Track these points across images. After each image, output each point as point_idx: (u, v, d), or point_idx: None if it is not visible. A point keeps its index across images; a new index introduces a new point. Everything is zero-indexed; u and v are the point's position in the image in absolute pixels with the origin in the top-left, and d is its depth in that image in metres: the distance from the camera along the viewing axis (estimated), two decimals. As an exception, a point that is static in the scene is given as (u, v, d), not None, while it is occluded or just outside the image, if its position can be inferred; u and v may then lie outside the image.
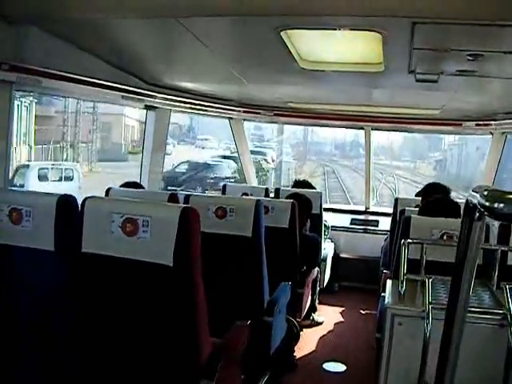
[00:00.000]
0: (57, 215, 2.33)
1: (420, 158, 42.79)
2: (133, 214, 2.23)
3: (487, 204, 0.83)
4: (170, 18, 2.76)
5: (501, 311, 2.55)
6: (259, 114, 6.95)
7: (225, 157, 24.04)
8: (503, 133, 6.61)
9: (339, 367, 4.48)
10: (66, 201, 2.39)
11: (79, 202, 2.39)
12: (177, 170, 21.80)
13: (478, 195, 0.86)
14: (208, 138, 36.33)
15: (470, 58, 3.08)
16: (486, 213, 0.86)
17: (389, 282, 3.14)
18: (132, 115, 30.07)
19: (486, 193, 0.84)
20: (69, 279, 2.39)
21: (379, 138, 40.02)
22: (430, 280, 2.65)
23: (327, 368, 4.45)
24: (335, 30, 2.89)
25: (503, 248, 3.00)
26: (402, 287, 2.84)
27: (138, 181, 5.09)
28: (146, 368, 2.34)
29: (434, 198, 3.91)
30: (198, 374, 2.30)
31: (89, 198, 2.39)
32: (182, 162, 22.72)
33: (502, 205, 0.80)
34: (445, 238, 3.16)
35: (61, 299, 2.41)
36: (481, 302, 2.80)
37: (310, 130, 36.21)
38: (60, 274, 2.38)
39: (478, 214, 0.90)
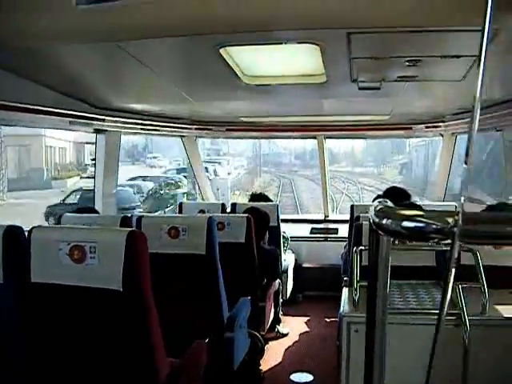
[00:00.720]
0: (3, 246, 2.30)
1: (384, 163, 42.59)
2: (79, 240, 2.21)
3: (377, 220, 0.84)
4: (107, 42, 2.76)
5: (455, 311, 2.59)
6: (211, 130, 6.96)
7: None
8: (453, 133, 6.76)
9: (306, 377, 4.48)
10: (13, 232, 2.36)
11: None
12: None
13: (372, 211, 0.87)
14: (157, 155, 36.12)
15: (408, 63, 3.13)
16: (378, 230, 0.87)
17: (345, 290, 3.17)
18: (55, 135, 28.03)
19: (377, 209, 0.85)
20: (19, 310, 2.35)
21: (340, 144, 39.99)
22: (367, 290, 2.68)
23: (294, 379, 4.45)
24: (273, 44, 2.92)
25: None
26: (355, 295, 2.86)
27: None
28: None
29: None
30: None
31: (35, 227, 2.36)
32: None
33: (389, 221, 0.81)
34: (397, 242, 3.20)
35: (12, 331, 2.37)
36: (435, 303, 2.84)
37: (269, 142, 36.24)
38: (10, 305, 2.35)
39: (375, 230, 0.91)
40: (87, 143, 34.53)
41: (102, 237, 2.23)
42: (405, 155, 40.71)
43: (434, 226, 0.73)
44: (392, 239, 0.96)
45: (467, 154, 0.71)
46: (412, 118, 6.53)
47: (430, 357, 0.86)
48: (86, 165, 31.39)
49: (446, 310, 0.83)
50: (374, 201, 5.74)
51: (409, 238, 0.79)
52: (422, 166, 32.75)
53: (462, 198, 0.70)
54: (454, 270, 0.75)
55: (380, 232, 0.87)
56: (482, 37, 0.73)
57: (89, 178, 25.12)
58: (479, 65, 0.74)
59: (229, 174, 30.69)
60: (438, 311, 2.55)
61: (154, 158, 35.36)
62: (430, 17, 2.32)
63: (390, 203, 0.91)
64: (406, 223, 0.78)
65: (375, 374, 1.02)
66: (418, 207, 0.80)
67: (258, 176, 36.78)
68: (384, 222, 0.82)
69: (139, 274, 2.20)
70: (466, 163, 0.71)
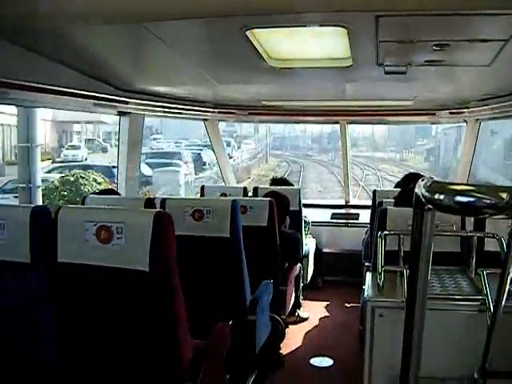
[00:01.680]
0: (30, 227, 2.32)
1: (407, 148, 40.42)
2: (106, 221, 2.22)
3: (428, 196, 0.84)
4: (134, 23, 2.75)
5: (479, 297, 2.57)
6: (234, 114, 6.95)
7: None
8: (477, 120, 6.68)
9: (326, 362, 4.49)
10: (40, 212, 2.38)
11: None
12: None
13: (422, 187, 0.87)
14: (157, 137, 35.63)
15: (436, 48, 3.09)
16: (429, 205, 0.86)
17: (368, 275, 3.16)
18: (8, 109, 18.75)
19: (428, 184, 0.85)
20: (46, 290, 2.37)
21: (360, 127, 37.72)
22: (408, 270, 2.67)
23: (314, 363, 4.46)
24: (300, 27, 2.90)
25: (479, 234, 3.03)
26: (380, 279, 2.85)
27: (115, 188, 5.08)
28: (129, 374, 2.34)
29: (409, 187, 3.94)
30: (181, 377, 2.30)
31: (62, 207, 2.38)
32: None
33: (442, 196, 0.81)
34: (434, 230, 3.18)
35: (39, 311, 2.39)
36: (460, 289, 2.82)
37: (285, 125, 35.69)
38: (37, 285, 2.37)
39: (425, 206, 0.90)
40: (76, 122, 32.56)
41: (128, 218, 2.24)
42: (430, 139, 38.62)
43: (488, 201, 0.72)
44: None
45: None
46: (436, 104, 6.46)
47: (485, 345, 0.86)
48: (61, 147, 29.86)
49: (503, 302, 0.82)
50: (395, 187, 5.73)
51: (462, 213, 0.78)
52: (451, 152, 29.70)
53: None
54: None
55: (430, 206, 0.87)
56: None
57: (63, 162, 23.27)
58: None
59: (230, 157, 30.04)
60: (462, 297, 2.54)
61: (154, 139, 34.32)
62: (458, 0, 2.28)
63: (437, 179, 0.90)
64: (459, 198, 0.78)
65: (413, 359, 1.01)
66: (470, 184, 0.79)
67: (264, 161, 35.84)
68: (436, 196, 0.82)
69: (166, 255, 2.20)
70: None
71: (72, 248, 2.29)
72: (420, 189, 0.87)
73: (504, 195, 0.70)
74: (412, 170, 6.96)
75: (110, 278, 2.28)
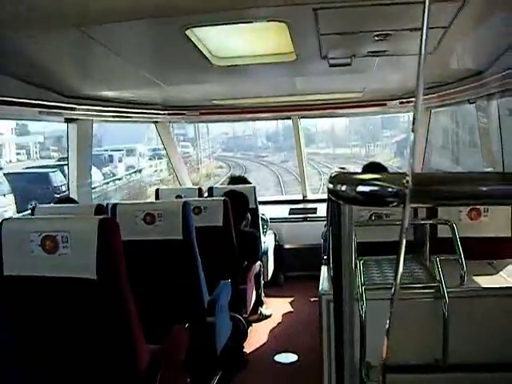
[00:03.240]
0: None
1: (372, 141, 37.78)
2: (51, 230, 2.18)
3: (331, 187, 0.81)
4: (69, 27, 2.68)
5: (434, 284, 2.60)
6: (184, 114, 6.91)
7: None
8: (427, 108, 6.77)
9: (291, 357, 4.50)
10: None
11: None
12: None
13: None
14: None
15: (377, 38, 3.10)
16: (332, 196, 0.84)
17: (324, 268, 3.17)
18: None
19: (332, 176, 0.82)
20: None
21: (318, 121, 36.09)
22: (361, 262, 2.68)
23: (279, 360, 4.46)
24: (240, 23, 2.88)
25: (431, 222, 3.06)
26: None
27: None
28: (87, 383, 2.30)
29: None
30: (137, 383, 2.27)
31: (5, 220, 2.32)
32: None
33: (344, 187, 0.78)
34: (373, 218, 3.20)
35: None
36: (414, 278, 2.85)
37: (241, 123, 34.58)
38: None
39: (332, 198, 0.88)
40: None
41: (73, 226, 2.20)
42: (399, 130, 35.31)
43: (390, 189, 0.70)
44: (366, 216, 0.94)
45: (413, 129, 0.69)
46: (385, 94, 6.52)
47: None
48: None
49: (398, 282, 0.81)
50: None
51: (365, 204, 0.75)
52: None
53: (411, 161, 0.68)
54: (404, 237, 0.72)
55: (334, 199, 0.84)
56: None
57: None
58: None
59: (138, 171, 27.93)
60: (416, 285, 2.56)
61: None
62: None
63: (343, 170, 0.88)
64: (360, 188, 0.75)
65: (345, 350, 1.00)
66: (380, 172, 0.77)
67: (199, 165, 32.69)
68: (338, 188, 0.79)
69: (113, 261, 2.17)
70: (412, 130, 0.69)
71: (18, 261, 2.25)
72: (327, 182, 0.85)
73: (405, 181, 0.68)
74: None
75: (58, 288, 2.24)
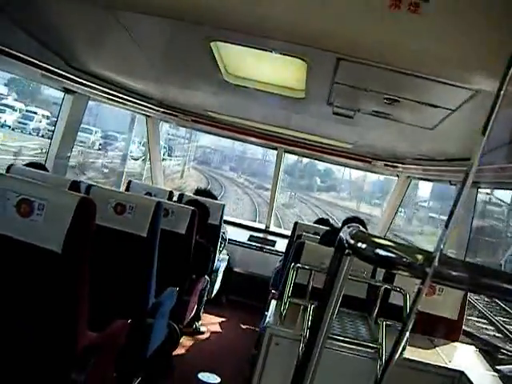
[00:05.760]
0: None
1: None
2: (30, 195, 2.19)
3: (352, 242, 0.90)
4: (104, 7, 2.73)
5: (374, 345, 2.68)
6: (177, 116, 6.96)
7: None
8: (408, 177, 6.95)
9: (214, 379, 4.53)
10: None
11: None
12: None
13: (347, 233, 0.93)
14: None
15: (386, 101, 3.19)
16: (349, 250, 0.92)
17: (273, 303, 3.23)
18: None
19: (353, 232, 0.91)
20: None
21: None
22: (313, 306, 2.75)
23: (202, 378, 4.48)
24: (263, 50, 2.95)
25: (387, 286, 3.15)
26: (284, 309, 2.92)
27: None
28: (20, 354, 2.29)
29: (336, 228, 4.05)
30: (70, 365, 2.27)
31: None
32: None
33: (364, 245, 0.87)
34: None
35: None
36: (357, 334, 2.93)
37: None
38: None
39: (346, 251, 0.96)
40: None
41: (53, 196, 2.21)
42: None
43: (404, 259, 0.78)
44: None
45: (450, 216, 0.75)
46: (374, 153, 6.67)
47: None
48: None
49: (397, 354, 0.89)
50: (315, 223, 5.86)
51: (379, 265, 0.84)
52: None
53: (440, 242, 0.75)
54: (415, 311, 0.81)
55: (350, 252, 0.93)
56: (497, 97, 0.78)
57: None
58: (486, 127, 0.80)
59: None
60: (359, 342, 2.63)
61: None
62: (421, 63, 2.38)
63: (362, 229, 0.96)
64: (379, 250, 0.83)
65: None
66: (391, 240, 0.85)
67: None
68: (359, 245, 0.87)
69: (81, 241, 2.19)
70: (446, 226, 0.75)
71: None
72: (345, 234, 0.93)
73: (420, 257, 0.76)
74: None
75: (20, 252, 2.23)
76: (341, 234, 0.96)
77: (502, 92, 0.78)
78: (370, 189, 38.40)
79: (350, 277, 3.18)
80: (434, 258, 0.74)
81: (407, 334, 2.11)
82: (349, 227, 0.94)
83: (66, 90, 5.00)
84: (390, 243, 0.83)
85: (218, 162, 44.18)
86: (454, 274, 0.76)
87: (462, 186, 0.77)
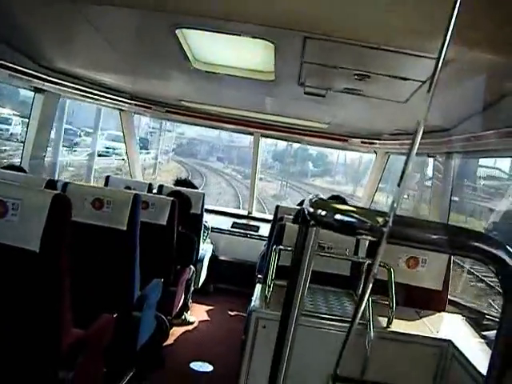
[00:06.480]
0: None
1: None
2: (3, 195, 2.17)
3: (311, 211, 0.89)
4: (70, 1, 2.69)
5: (362, 321, 2.70)
6: (150, 109, 6.92)
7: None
8: (386, 152, 6.97)
9: (206, 367, 4.54)
10: None
11: None
12: None
13: (308, 203, 0.92)
14: None
15: (356, 77, 3.19)
16: (311, 220, 0.92)
17: (258, 286, 3.23)
18: None
19: (313, 201, 0.90)
20: None
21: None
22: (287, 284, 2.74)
23: (194, 367, 4.49)
24: (230, 34, 2.93)
25: (369, 261, 3.16)
26: (268, 291, 2.93)
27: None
28: (6, 354, 2.27)
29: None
30: (57, 364, 2.26)
31: None
32: None
33: (323, 212, 0.86)
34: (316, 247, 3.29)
35: None
36: (344, 312, 2.95)
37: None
38: None
39: (310, 222, 0.95)
40: None
41: (26, 195, 2.19)
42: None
43: (365, 223, 0.77)
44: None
45: (402, 177, 0.75)
46: (350, 131, 6.68)
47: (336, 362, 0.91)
48: None
49: (358, 318, 0.88)
50: (298, 205, 5.87)
51: (339, 231, 0.83)
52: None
53: (394, 204, 0.75)
54: (373, 275, 0.80)
55: (312, 222, 0.92)
56: (437, 64, 0.78)
57: None
58: (429, 90, 0.79)
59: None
60: (345, 319, 2.65)
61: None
62: (387, 36, 2.38)
63: (322, 196, 0.96)
64: (338, 216, 0.82)
65: (280, 369, 1.06)
66: (351, 205, 0.85)
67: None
68: (318, 212, 0.87)
69: (59, 239, 2.17)
70: (398, 185, 0.75)
71: None
72: (307, 205, 0.93)
73: (380, 219, 0.76)
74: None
75: None
76: (304, 205, 0.95)
77: (441, 59, 0.78)
78: (366, 171, 36.61)
79: (332, 254, 3.20)
80: (388, 219, 0.74)
81: (394, 307, 2.11)
82: (311, 199, 0.93)
83: (36, 90, 4.94)
84: (349, 208, 0.82)
85: (205, 154, 43.73)
86: (409, 232, 0.76)
87: (411, 144, 0.77)
